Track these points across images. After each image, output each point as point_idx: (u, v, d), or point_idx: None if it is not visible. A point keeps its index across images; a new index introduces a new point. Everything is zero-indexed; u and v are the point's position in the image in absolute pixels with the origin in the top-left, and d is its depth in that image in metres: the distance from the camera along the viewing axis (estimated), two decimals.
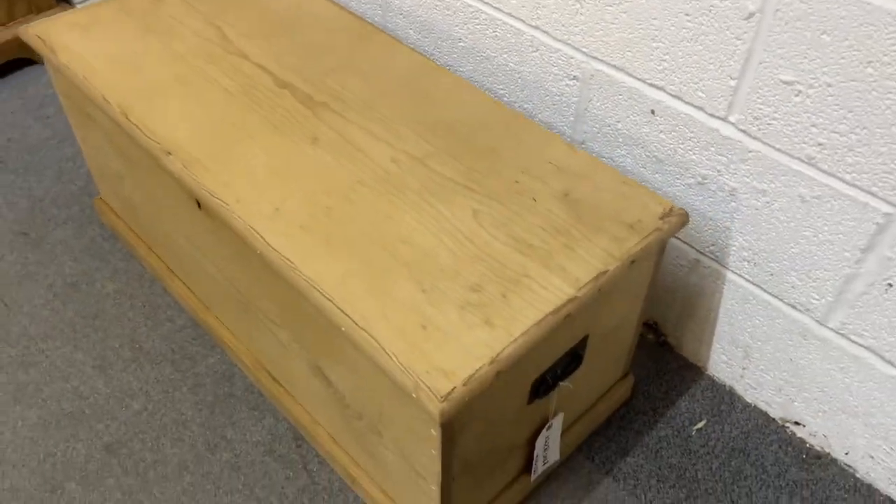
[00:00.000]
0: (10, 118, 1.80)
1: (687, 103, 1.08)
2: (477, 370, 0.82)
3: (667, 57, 1.07)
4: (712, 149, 1.09)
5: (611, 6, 1.09)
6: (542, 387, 0.98)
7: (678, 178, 1.16)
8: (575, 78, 1.21)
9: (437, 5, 1.36)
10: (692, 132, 1.10)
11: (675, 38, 1.04)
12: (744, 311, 1.21)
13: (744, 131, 1.04)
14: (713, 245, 1.18)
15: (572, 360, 1.02)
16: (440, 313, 0.87)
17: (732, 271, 1.18)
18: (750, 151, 1.05)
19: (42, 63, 1.95)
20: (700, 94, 1.06)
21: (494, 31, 1.29)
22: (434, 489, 0.95)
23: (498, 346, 0.84)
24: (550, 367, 0.98)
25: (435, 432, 0.85)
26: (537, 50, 1.24)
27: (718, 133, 1.07)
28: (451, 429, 0.85)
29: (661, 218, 0.99)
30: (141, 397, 1.29)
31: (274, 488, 1.18)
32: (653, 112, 1.14)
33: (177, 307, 1.42)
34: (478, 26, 1.31)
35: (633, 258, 0.94)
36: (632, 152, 1.20)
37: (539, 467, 1.13)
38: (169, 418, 1.27)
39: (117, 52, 1.20)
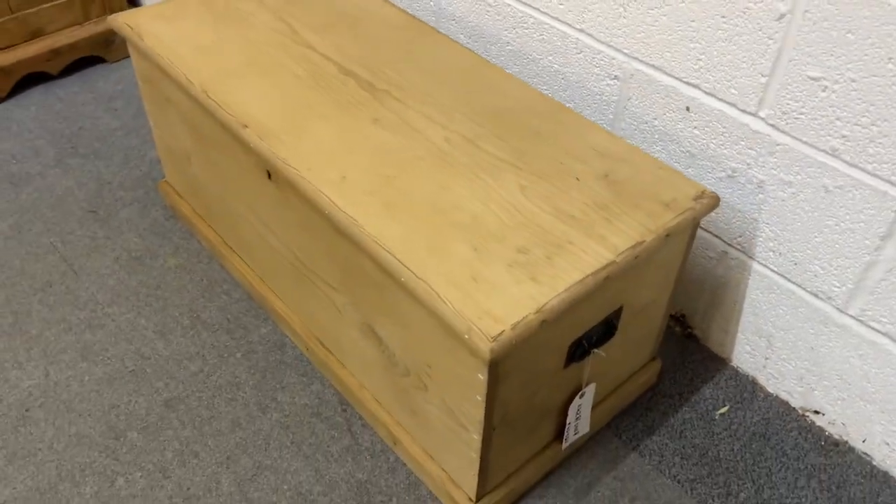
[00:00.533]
0: (81, 109, 1.94)
1: (720, 100, 1.17)
2: (524, 317, 0.90)
3: (703, 56, 1.16)
4: (742, 143, 1.18)
5: (652, 9, 1.19)
6: (578, 351, 1.06)
7: (709, 172, 1.25)
8: (616, 78, 1.30)
9: (487, 11, 1.47)
10: (724, 127, 1.19)
11: (711, 39, 1.14)
12: (768, 300, 1.28)
13: (773, 125, 1.13)
14: (741, 236, 1.26)
15: (607, 329, 1.10)
16: (490, 269, 0.96)
17: (758, 262, 1.26)
18: (778, 145, 1.13)
19: (111, 61, 2.09)
20: (733, 90, 1.15)
21: (541, 35, 1.39)
22: (476, 438, 1.03)
23: (543, 298, 0.93)
24: (587, 333, 1.06)
25: (482, 376, 0.93)
26: (581, 52, 1.34)
27: (749, 128, 1.16)
28: (497, 372, 0.94)
29: (695, 199, 1.07)
30: (198, 360, 1.39)
31: (320, 447, 1.26)
32: (688, 109, 1.23)
33: (232, 282, 1.52)
34: (526, 30, 1.42)
35: (667, 232, 1.03)
36: (666, 147, 1.29)
37: (570, 435, 1.21)
38: (224, 380, 1.36)
39: (198, 40, 1.32)
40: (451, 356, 0.98)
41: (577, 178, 1.09)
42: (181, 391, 1.34)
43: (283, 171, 1.10)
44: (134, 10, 1.39)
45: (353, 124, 1.17)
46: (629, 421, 1.32)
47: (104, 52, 2.07)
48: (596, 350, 1.10)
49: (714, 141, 1.21)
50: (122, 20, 1.36)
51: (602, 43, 1.30)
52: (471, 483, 1.11)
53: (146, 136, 1.86)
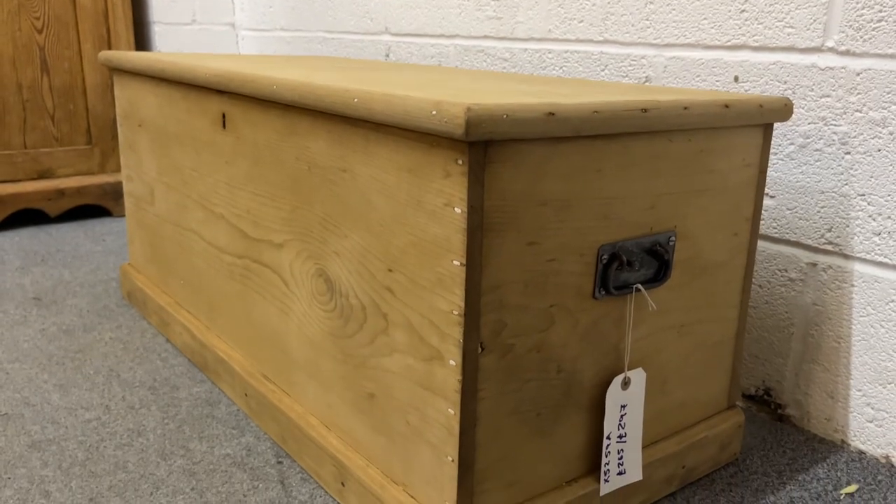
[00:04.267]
0: (69, 240, 1.78)
1: (774, 49, 0.97)
2: (520, 102, 0.61)
3: (745, 5, 0.99)
4: (811, 93, 0.94)
5: None
6: (614, 269, 0.72)
7: (772, 154, 0.99)
8: (647, 80, 1.12)
9: (502, 64, 1.36)
10: (784, 83, 0.96)
11: None
12: (891, 318, 0.91)
13: (846, 51, 0.90)
14: (830, 230, 0.95)
15: (656, 261, 0.76)
16: (480, 92, 0.69)
17: (863, 258, 0.93)
18: (858, 74, 0.90)
19: (116, 216, 1.99)
20: (789, 29, 0.95)
21: (563, 65, 1.25)
22: (454, 366, 0.65)
23: (551, 99, 0.64)
24: (624, 241, 0.73)
25: (461, 162, 0.61)
26: (606, 67, 1.18)
27: (815, 68, 0.93)
28: (483, 167, 0.61)
29: (760, 97, 0.81)
30: (97, 410, 1.02)
31: (232, 496, 0.84)
32: (736, 79, 1.01)
33: (174, 352, 1.19)
34: (543, 69, 1.28)
35: (725, 103, 0.75)
36: None
37: (612, 468, 0.77)
38: (123, 428, 0.97)
39: None
40: (418, 206, 0.66)
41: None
42: (59, 434, 0.95)
43: (236, 83, 0.89)
44: (118, 52, 1.31)
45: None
46: (705, 495, 0.87)
47: (112, 204, 1.98)
48: (640, 287, 0.75)
49: None
50: (108, 55, 1.27)
51: (628, 45, 1.14)
52: (448, 496, 0.68)
53: (126, 258, 1.66)
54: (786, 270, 1.00)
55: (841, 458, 0.95)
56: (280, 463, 0.91)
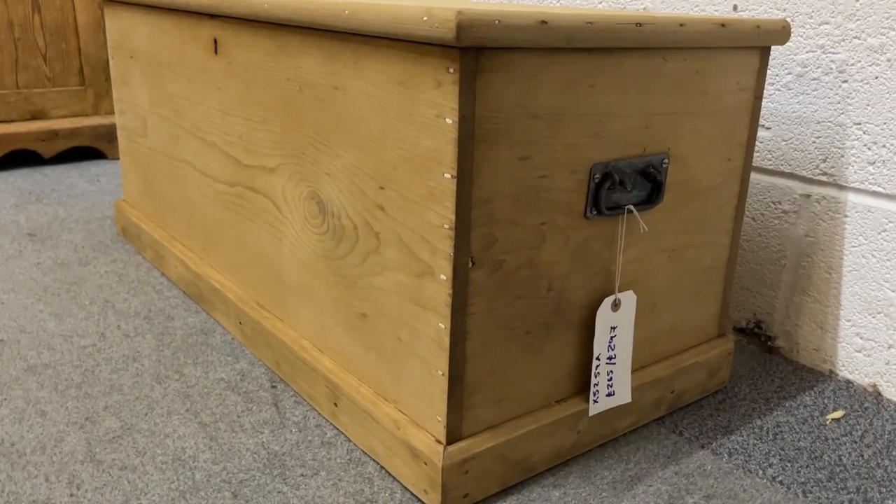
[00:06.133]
0: (63, 181, 1.77)
1: None
2: (515, 9, 0.60)
3: None
4: (810, 21, 0.93)
5: None
6: (607, 185, 0.72)
7: (769, 84, 0.98)
8: (644, 9, 1.10)
9: None
10: (784, 10, 0.95)
11: None
12: (882, 248, 0.92)
13: None
14: (825, 160, 0.95)
15: (649, 182, 0.76)
16: (472, 4, 0.68)
17: (856, 188, 0.93)
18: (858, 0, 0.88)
19: (111, 158, 1.98)
20: None
21: None
22: (444, 280, 0.65)
23: (548, 10, 0.63)
24: (616, 160, 0.72)
25: (452, 71, 0.60)
26: (602, 2, 1.16)
27: None
28: (474, 78, 0.60)
29: (758, 19, 0.80)
30: (92, 337, 1.02)
31: (226, 417, 0.85)
32: (735, 7, 1.00)
33: (168, 284, 1.20)
34: None
35: (722, 22, 0.74)
36: None
37: (602, 389, 0.78)
38: (118, 353, 0.98)
39: None
40: (409, 119, 0.65)
41: None
42: (55, 359, 0.96)
43: (227, 5, 0.88)
44: None
45: None
46: (693, 419, 0.88)
47: (106, 146, 1.97)
48: (632, 209, 0.75)
49: None
50: None
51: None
52: (438, 409, 0.69)
53: (121, 195, 1.65)
54: (779, 202, 1.00)
55: (828, 387, 0.96)
56: (274, 387, 0.92)
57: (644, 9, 1.10)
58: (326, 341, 0.85)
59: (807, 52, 0.94)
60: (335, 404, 0.83)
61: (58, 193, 1.67)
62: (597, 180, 0.72)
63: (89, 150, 1.99)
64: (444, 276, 0.65)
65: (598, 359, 0.78)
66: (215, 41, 0.96)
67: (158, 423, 0.83)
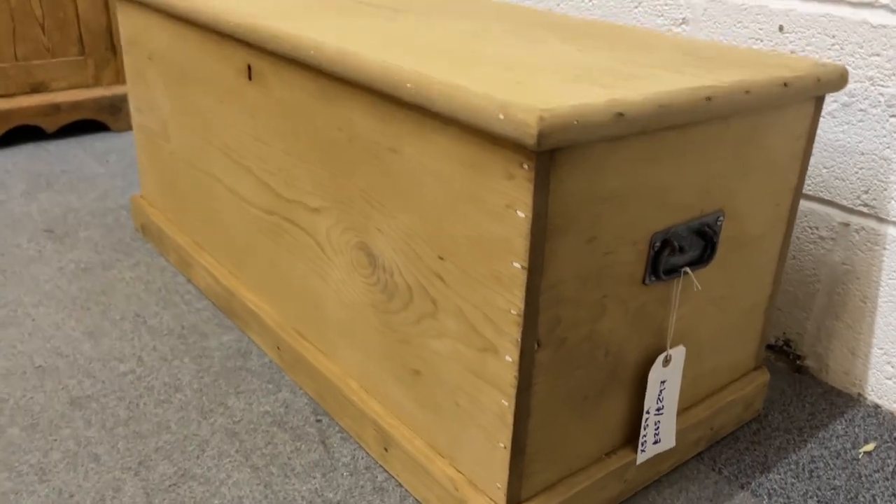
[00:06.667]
0: (71, 160, 1.74)
1: (823, 0, 0.93)
2: (589, 102, 0.58)
3: None
4: (860, 51, 0.91)
5: None
6: (664, 255, 0.71)
7: None
8: (684, 21, 1.08)
9: None
10: (833, 36, 0.93)
11: None
12: None
13: None
14: (866, 192, 0.94)
15: (702, 241, 0.75)
16: (541, 79, 0.66)
17: None
18: None
19: (115, 131, 1.94)
20: None
21: None
22: (510, 363, 0.65)
23: (619, 96, 0.61)
24: (675, 227, 0.72)
25: (527, 167, 0.59)
26: (639, 5, 1.13)
27: (867, 25, 0.90)
28: (548, 170, 0.59)
29: (814, 66, 0.78)
30: (131, 361, 1.03)
31: (277, 458, 0.86)
32: (781, 29, 0.98)
33: (196, 293, 1.19)
34: None
35: (784, 80, 0.73)
36: None
37: (649, 439, 0.80)
38: (159, 382, 0.99)
39: None
40: (475, 201, 0.64)
41: (652, 48, 0.82)
42: (97, 390, 0.97)
43: (274, 40, 0.84)
44: None
45: (367, 20, 0.93)
46: (730, 454, 0.90)
47: (110, 119, 1.92)
48: (688, 270, 0.75)
49: (819, 56, 0.95)
50: None
51: None
52: (498, 477, 0.71)
53: (133, 180, 1.63)
54: (817, 228, 1.00)
55: (858, 413, 0.99)
56: (319, 421, 0.93)
57: (683, 20, 1.07)
58: (374, 385, 0.86)
59: (855, 83, 0.93)
60: (385, 449, 0.84)
61: (67, 177, 1.63)
62: (656, 249, 0.71)
63: (93, 122, 1.94)
64: (510, 357, 0.66)
65: (647, 412, 0.79)
66: (249, 67, 0.93)
67: (211, 467, 0.85)
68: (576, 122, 0.57)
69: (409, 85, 0.66)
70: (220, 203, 1.10)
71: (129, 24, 1.22)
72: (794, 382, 1.05)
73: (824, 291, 1.02)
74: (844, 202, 0.97)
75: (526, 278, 0.62)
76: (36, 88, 1.82)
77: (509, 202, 0.61)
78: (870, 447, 0.92)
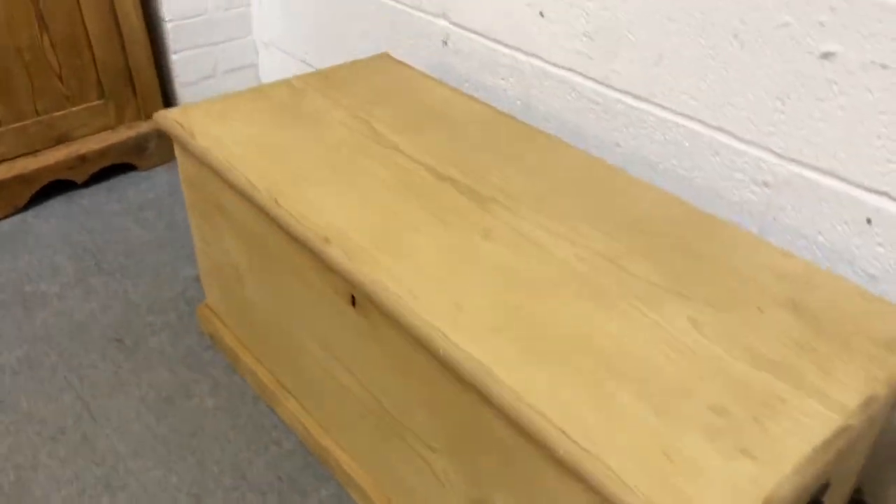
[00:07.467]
0: (107, 220, 1.72)
1: None
2: None
3: (894, 157, 0.94)
4: None
5: (823, 100, 0.97)
6: None
7: None
8: (765, 184, 1.08)
9: (591, 108, 1.27)
10: None
11: None
12: None
13: None
14: None
15: None
16: (683, 439, 0.69)
17: None
18: None
19: (142, 169, 1.90)
20: None
21: (664, 135, 1.18)
22: None
23: (768, 483, 0.66)
24: None
25: None
26: (717, 154, 1.12)
27: None
28: None
29: None
30: None
31: None
32: (869, 221, 0.99)
33: (283, 429, 1.25)
34: (643, 130, 1.21)
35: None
36: (836, 269, 1.05)
37: None
38: None
39: (261, 140, 1.11)
40: None
41: (760, 309, 0.84)
42: None
43: (377, 297, 0.85)
44: (185, 107, 1.18)
45: (458, 239, 0.93)
46: None
47: (136, 159, 1.87)
48: None
49: None
50: (173, 117, 1.15)
51: (746, 142, 1.08)
52: None
53: (180, 251, 1.63)
54: None
55: None
56: None
57: (764, 183, 1.08)
58: None
59: None
60: None
61: (113, 250, 1.63)
62: None
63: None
64: None
65: None
66: (353, 297, 0.94)
67: None
68: None
69: (560, 452, 0.69)
70: (312, 373, 1.13)
71: (190, 170, 1.19)
72: None
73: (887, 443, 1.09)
74: None
75: None
76: (60, 140, 1.76)
77: None
78: None
